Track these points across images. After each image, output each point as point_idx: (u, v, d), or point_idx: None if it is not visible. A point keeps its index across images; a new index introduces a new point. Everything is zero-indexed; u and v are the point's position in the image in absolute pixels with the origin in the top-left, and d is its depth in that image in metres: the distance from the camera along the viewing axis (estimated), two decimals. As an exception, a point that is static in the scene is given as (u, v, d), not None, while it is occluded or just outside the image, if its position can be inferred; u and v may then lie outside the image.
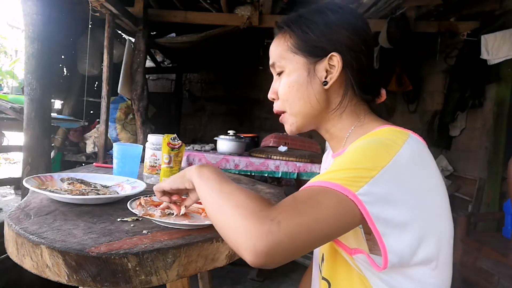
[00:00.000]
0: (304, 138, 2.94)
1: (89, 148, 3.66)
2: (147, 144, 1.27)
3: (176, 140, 1.13)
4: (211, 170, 0.69)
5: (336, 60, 0.72)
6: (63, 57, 3.92)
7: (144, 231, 0.76)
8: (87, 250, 0.63)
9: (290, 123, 0.79)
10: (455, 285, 2.50)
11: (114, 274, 0.63)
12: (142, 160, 1.30)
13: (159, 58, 5.85)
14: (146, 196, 0.92)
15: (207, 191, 0.64)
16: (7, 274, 1.98)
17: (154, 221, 0.82)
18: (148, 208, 0.86)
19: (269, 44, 0.81)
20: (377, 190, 0.56)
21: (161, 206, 0.86)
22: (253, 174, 2.57)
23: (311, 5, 0.78)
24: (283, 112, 0.80)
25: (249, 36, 3.94)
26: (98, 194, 0.97)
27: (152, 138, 1.26)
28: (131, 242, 0.69)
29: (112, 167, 1.31)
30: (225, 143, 2.65)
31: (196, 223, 0.81)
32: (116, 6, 2.85)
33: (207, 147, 2.91)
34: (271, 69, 0.81)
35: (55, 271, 0.64)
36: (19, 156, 6.12)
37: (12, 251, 0.71)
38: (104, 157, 3.03)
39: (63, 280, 0.65)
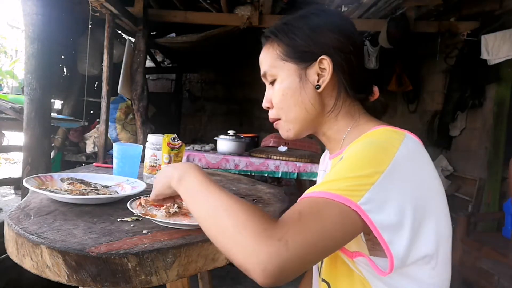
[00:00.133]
0: (304, 138, 2.94)
1: (89, 148, 3.66)
2: (147, 144, 1.26)
3: (176, 140, 1.13)
4: (194, 180, 0.66)
5: (326, 63, 0.72)
6: (63, 57, 3.92)
7: (144, 231, 0.76)
8: (87, 250, 0.63)
9: (286, 129, 0.79)
10: (455, 285, 2.50)
11: (114, 274, 0.63)
12: (142, 160, 1.30)
13: (159, 58, 5.85)
14: (146, 196, 0.91)
15: (197, 209, 0.62)
16: (7, 274, 1.98)
17: (154, 221, 0.82)
18: (148, 208, 0.86)
19: None
20: (378, 196, 0.56)
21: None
22: (253, 174, 2.57)
23: (296, 12, 0.79)
24: (278, 119, 0.80)
25: (249, 36, 3.94)
26: (98, 194, 0.97)
27: (152, 138, 1.26)
28: (131, 242, 0.69)
29: (112, 167, 1.31)
30: (225, 143, 2.65)
31: (196, 223, 0.81)
32: (116, 6, 2.85)
33: (207, 147, 2.91)
34: (263, 79, 0.81)
35: (55, 271, 0.64)
36: (19, 156, 6.12)
37: (12, 251, 0.71)
38: (104, 157, 3.03)
39: (63, 280, 0.65)
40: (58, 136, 3.69)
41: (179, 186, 0.68)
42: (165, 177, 0.73)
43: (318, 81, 0.74)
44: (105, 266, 0.63)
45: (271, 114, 0.81)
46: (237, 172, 2.50)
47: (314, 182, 1.78)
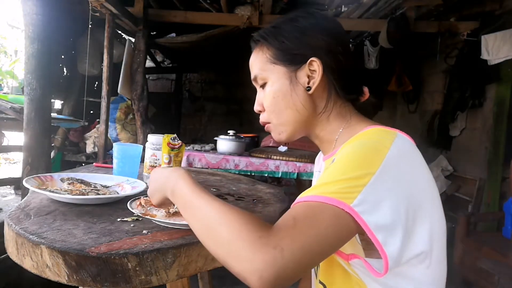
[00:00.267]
0: (304, 138, 2.94)
1: (89, 148, 3.66)
2: (147, 144, 1.26)
3: (176, 140, 1.13)
4: (184, 190, 0.65)
5: (316, 64, 0.73)
6: (63, 57, 3.92)
7: (144, 231, 0.76)
8: (87, 250, 0.63)
9: (279, 132, 0.80)
10: (455, 285, 2.50)
11: (114, 274, 0.63)
12: (142, 160, 1.30)
13: (159, 58, 5.85)
14: (146, 196, 0.91)
15: (191, 222, 0.62)
16: (7, 274, 1.98)
17: (154, 221, 0.82)
18: (148, 208, 0.86)
19: None
20: (371, 197, 0.56)
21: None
22: (253, 174, 2.57)
23: (284, 16, 0.80)
24: (269, 123, 0.80)
25: (249, 36, 3.93)
26: (98, 194, 0.97)
27: (152, 138, 1.26)
28: (131, 242, 0.69)
29: (112, 167, 1.31)
30: (225, 143, 2.65)
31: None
32: (116, 6, 2.85)
33: (207, 147, 2.91)
34: (254, 83, 0.81)
35: (55, 271, 0.64)
36: (19, 156, 6.13)
37: (12, 251, 0.71)
38: (104, 157, 3.03)
39: (63, 280, 0.65)
40: (58, 136, 3.69)
41: (173, 199, 0.69)
42: (160, 191, 0.73)
43: (308, 83, 0.74)
44: (105, 266, 0.63)
45: (263, 118, 0.81)
46: (237, 172, 2.50)
47: (314, 182, 1.78)
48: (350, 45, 0.80)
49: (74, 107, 3.91)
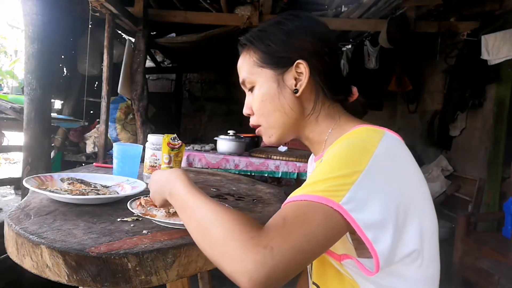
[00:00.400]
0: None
1: (89, 148, 3.66)
2: (147, 144, 1.26)
3: (176, 140, 1.13)
4: (181, 192, 0.66)
5: (302, 67, 0.73)
6: (63, 57, 3.92)
7: (144, 231, 0.76)
8: (87, 250, 0.63)
9: (269, 135, 0.80)
10: (455, 285, 2.50)
11: (114, 274, 0.63)
12: (142, 160, 1.30)
13: (159, 58, 5.85)
14: (146, 196, 0.91)
15: (186, 224, 0.63)
16: (7, 274, 1.98)
17: (154, 221, 0.82)
18: (148, 208, 0.86)
19: None
20: (359, 195, 0.56)
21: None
22: (253, 174, 2.57)
23: (271, 19, 0.80)
24: (259, 126, 0.81)
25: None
26: (98, 194, 0.97)
27: (152, 138, 1.26)
28: (131, 242, 0.69)
29: (112, 167, 1.31)
30: (225, 143, 2.65)
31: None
32: (116, 6, 2.85)
33: (207, 147, 2.91)
34: (242, 86, 0.82)
35: (55, 271, 0.64)
36: (19, 156, 6.12)
37: (12, 251, 0.71)
38: (104, 157, 3.03)
39: (63, 280, 0.65)
40: (58, 136, 3.69)
41: (171, 200, 0.70)
42: (160, 193, 0.74)
43: (295, 86, 0.74)
44: (105, 266, 0.63)
45: (252, 121, 0.82)
46: (237, 172, 2.50)
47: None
48: (338, 46, 0.80)
49: (74, 107, 3.91)
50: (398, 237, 0.59)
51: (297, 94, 0.74)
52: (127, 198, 0.92)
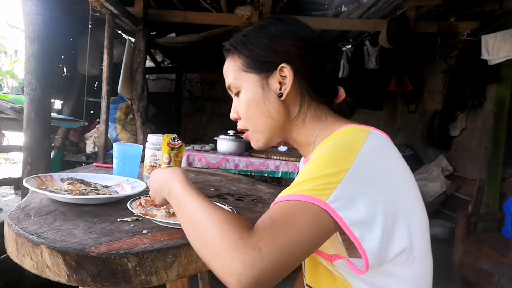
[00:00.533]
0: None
1: (89, 148, 3.66)
2: (147, 144, 1.26)
3: (176, 140, 1.13)
4: (178, 193, 0.66)
5: (286, 70, 0.73)
6: (63, 57, 3.92)
7: (144, 231, 0.76)
8: (87, 250, 0.63)
9: (256, 140, 0.80)
10: (455, 285, 2.50)
11: (114, 274, 0.63)
12: (142, 160, 1.30)
13: (159, 58, 5.85)
14: (146, 196, 0.91)
15: (182, 224, 0.63)
16: (7, 274, 1.98)
17: (154, 221, 0.82)
18: (148, 208, 0.86)
19: None
20: (346, 193, 0.56)
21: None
22: (253, 174, 2.57)
23: (255, 23, 0.80)
24: (247, 130, 0.81)
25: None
26: (98, 194, 0.97)
27: (152, 138, 1.26)
28: (131, 242, 0.69)
29: (112, 167, 1.31)
30: (225, 143, 2.65)
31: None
32: (116, 6, 2.85)
33: (207, 147, 2.91)
34: (229, 91, 0.82)
35: (55, 271, 0.65)
36: (19, 156, 6.12)
37: (12, 251, 0.71)
38: (104, 157, 3.03)
39: (63, 280, 0.65)
40: (58, 136, 3.69)
41: (169, 199, 0.70)
42: (160, 192, 0.74)
43: (280, 89, 0.74)
44: (105, 266, 0.63)
45: (240, 125, 0.82)
46: (237, 172, 2.50)
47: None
48: (324, 49, 0.80)
49: (74, 107, 3.91)
50: (388, 235, 0.59)
51: (282, 98, 0.74)
52: (127, 198, 0.92)
